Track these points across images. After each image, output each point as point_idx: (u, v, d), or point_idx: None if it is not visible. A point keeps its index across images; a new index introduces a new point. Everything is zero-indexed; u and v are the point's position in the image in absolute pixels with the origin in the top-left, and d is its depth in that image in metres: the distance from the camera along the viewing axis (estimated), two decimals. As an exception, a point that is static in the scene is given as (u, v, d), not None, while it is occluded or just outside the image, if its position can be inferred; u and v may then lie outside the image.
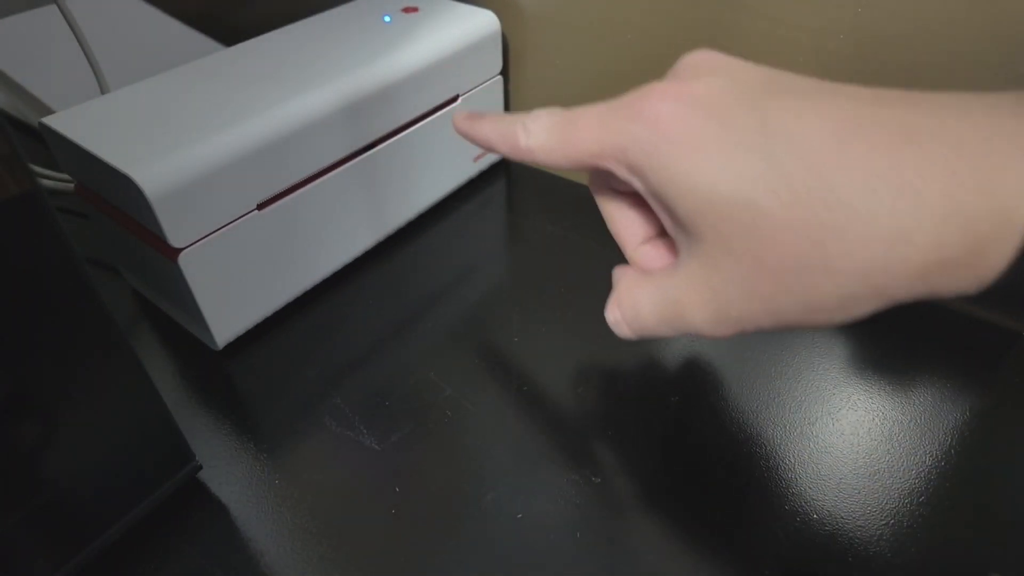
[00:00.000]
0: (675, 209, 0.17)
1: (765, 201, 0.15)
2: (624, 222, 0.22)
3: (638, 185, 0.18)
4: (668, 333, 0.19)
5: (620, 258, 0.23)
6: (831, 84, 0.17)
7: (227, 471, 0.27)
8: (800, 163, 0.15)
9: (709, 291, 0.17)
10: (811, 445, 0.27)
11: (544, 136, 0.20)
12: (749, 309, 0.17)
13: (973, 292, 0.15)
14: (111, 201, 0.30)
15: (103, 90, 0.40)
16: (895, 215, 0.14)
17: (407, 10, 0.40)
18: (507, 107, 0.44)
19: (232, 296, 0.31)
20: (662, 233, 0.22)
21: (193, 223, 0.28)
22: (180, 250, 0.28)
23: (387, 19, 0.39)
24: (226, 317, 0.32)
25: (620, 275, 0.22)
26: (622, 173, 0.19)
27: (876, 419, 0.28)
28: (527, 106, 0.44)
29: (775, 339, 0.32)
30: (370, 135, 0.35)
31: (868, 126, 0.15)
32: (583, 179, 0.44)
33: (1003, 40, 0.27)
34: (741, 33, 0.33)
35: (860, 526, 0.25)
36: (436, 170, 0.40)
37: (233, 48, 0.36)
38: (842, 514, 0.25)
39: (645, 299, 0.20)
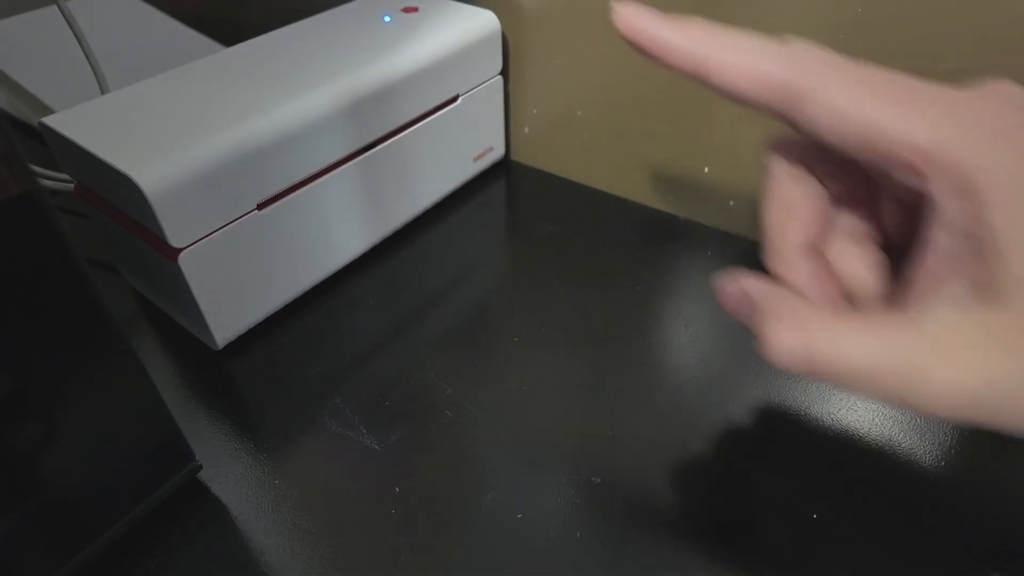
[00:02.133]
0: (1001, 262, 0.14)
1: None
2: (801, 211, 0.18)
3: (952, 213, 0.15)
4: (870, 392, 0.15)
5: (622, 260, 0.22)
6: None
7: (227, 471, 0.27)
8: None
9: (983, 368, 0.14)
10: (811, 445, 0.27)
11: (834, 93, 0.15)
12: None
13: None
14: (111, 201, 0.30)
15: (103, 90, 0.40)
16: None
17: (407, 10, 0.40)
18: (507, 107, 0.44)
19: (232, 296, 0.31)
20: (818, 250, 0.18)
21: (193, 223, 0.28)
22: (180, 250, 0.28)
23: (387, 19, 0.39)
24: (226, 317, 0.32)
25: (788, 298, 0.17)
26: (936, 190, 0.15)
27: (876, 419, 0.28)
28: (527, 106, 0.44)
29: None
30: (370, 135, 0.35)
31: None
32: (583, 179, 0.44)
33: (1004, 40, 0.27)
34: (741, 33, 0.33)
35: (860, 527, 0.25)
36: (436, 170, 0.40)
37: (233, 48, 0.36)
38: (842, 515, 0.25)
39: (863, 344, 0.15)
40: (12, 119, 0.51)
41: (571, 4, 0.39)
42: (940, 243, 0.15)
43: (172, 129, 0.29)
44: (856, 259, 0.19)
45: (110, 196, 0.30)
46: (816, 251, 0.18)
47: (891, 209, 0.19)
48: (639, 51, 0.17)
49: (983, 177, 0.14)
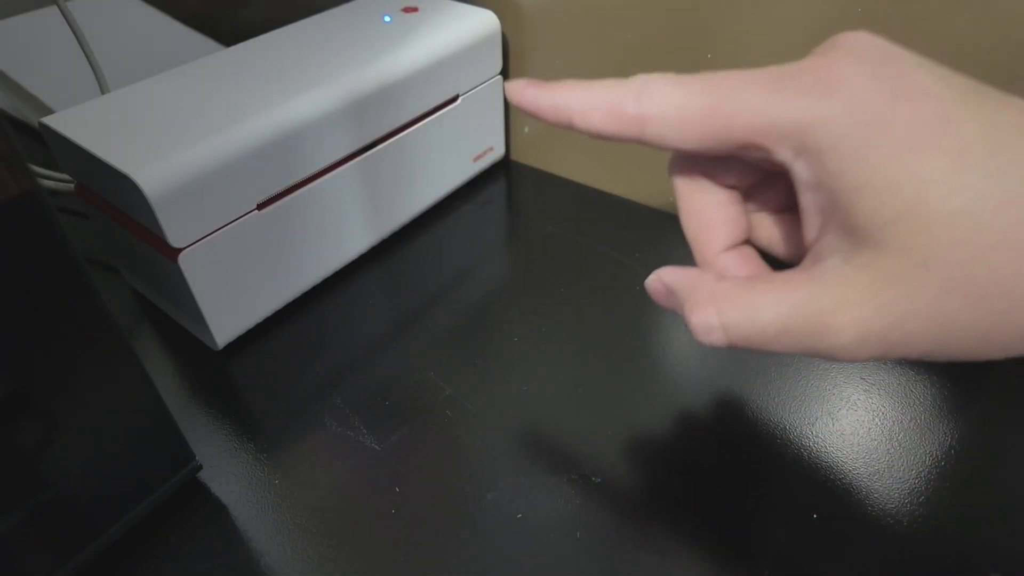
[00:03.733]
0: (855, 206, 0.15)
1: (987, 218, 0.14)
2: (713, 220, 0.19)
3: (801, 172, 0.16)
4: (787, 348, 0.16)
5: (621, 260, 0.22)
6: None
7: (227, 471, 0.27)
8: None
9: (873, 306, 0.15)
10: (810, 445, 0.27)
11: (666, 103, 0.17)
12: (918, 331, 0.15)
13: None
14: (111, 201, 0.30)
15: (103, 90, 0.40)
16: None
17: (407, 10, 0.40)
18: (507, 107, 0.44)
19: (232, 296, 0.31)
20: (745, 241, 0.20)
21: (193, 223, 0.28)
22: (180, 250, 0.28)
23: (387, 19, 0.39)
24: (226, 317, 0.32)
25: (700, 279, 0.18)
26: (783, 155, 0.16)
27: (876, 419, 0.28)
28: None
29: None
30: (370, 135, 0.35)
31: None
32: (583, 179, 0.44)
33: (1004, 40, 0.27)
34: (741, 33, 0.33)
35: (860, 526, 0.25)
36: (436, 170, 0.40)
37: (233, 48, 0.36)
38: (842, 514, 0.25)
39: (767, 306, 0.16)
40: (12, 119, 0.51)
41: (571, 4, 0.39)
42: (806, 203, 0.16)
43: (172, 129, 0.29)
44: (771, 230, 0.21)
45: (110, 196, 0.30)
46: (738, 245, 0.20)
47: (783, 187, 0.20)
48: (525, 113, 0.20)
49: (813, 131, 0.15)
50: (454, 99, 0.39)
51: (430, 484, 0.27)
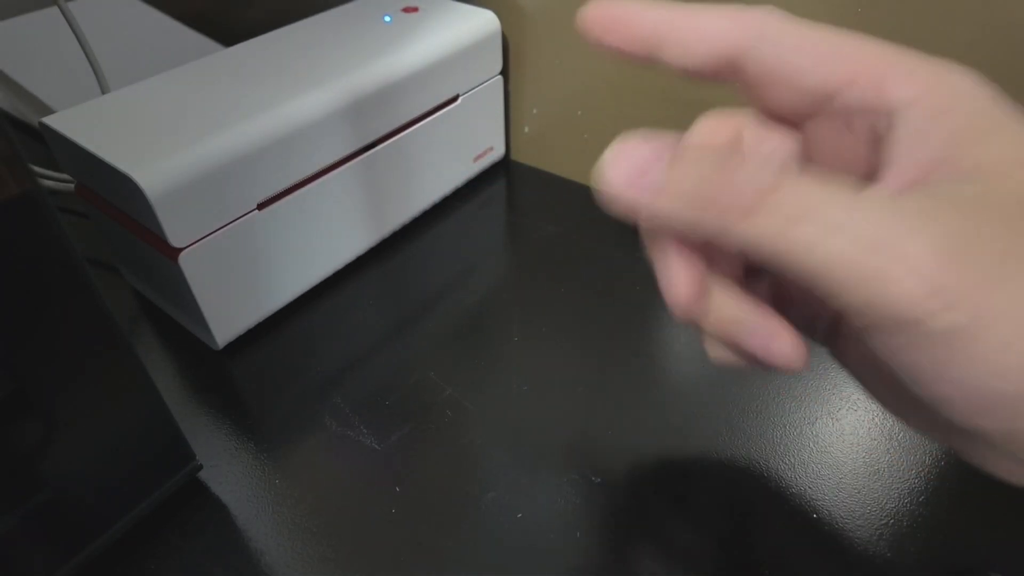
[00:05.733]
0: (980, 144, 0.13)
1: None
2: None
3: (914, 117, 0.14)
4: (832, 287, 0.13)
5: (621, 260, 0.22)
6: None
7: (227, 471, 0.27)
8: None
9: (954, 229, 0.12)
10: (811, 445, 0.27)
11: (791, 18, 0.15)
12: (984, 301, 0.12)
13: None
14: (111, 201, 0.30)
15: (103, 90, 0.40)
16: None
17: (407, 10, 0.40)
18: (507, 107, 0.44)
19: (232, 296, 0.31)
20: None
21: (193, 223, 0.28)
22: (180, 250, 0.28)
23: (387, 19, 0.39)
24: (226, 317, 0.32)
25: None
26: (901, 94, 0.14)
27: (876, 419, 0.28)
28: (527, 106, 0.44)
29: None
30: (370, 135, 0.35)
31: None
32: (583, 179, 0.44)
33: (1005, 40, 0.27)
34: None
35: (860, 526, 0.25)
36: (436, 170, 0.40)
37: (233, 48, 0.36)
38: (842, 514, 0.25)
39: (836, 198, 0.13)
40: (12, 119, 0.51)
41: (571, 4, 0.39)
42: (905, 150, 0.14)
43: (172, 129, 0.29)
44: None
45: (110, 196, 0.30)
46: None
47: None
48: (601, 39, 0.16)
49: (948, 77, 0.14)
50: (454, 99, 0.39)
51: (430, 484, 0.27)
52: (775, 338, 0.16)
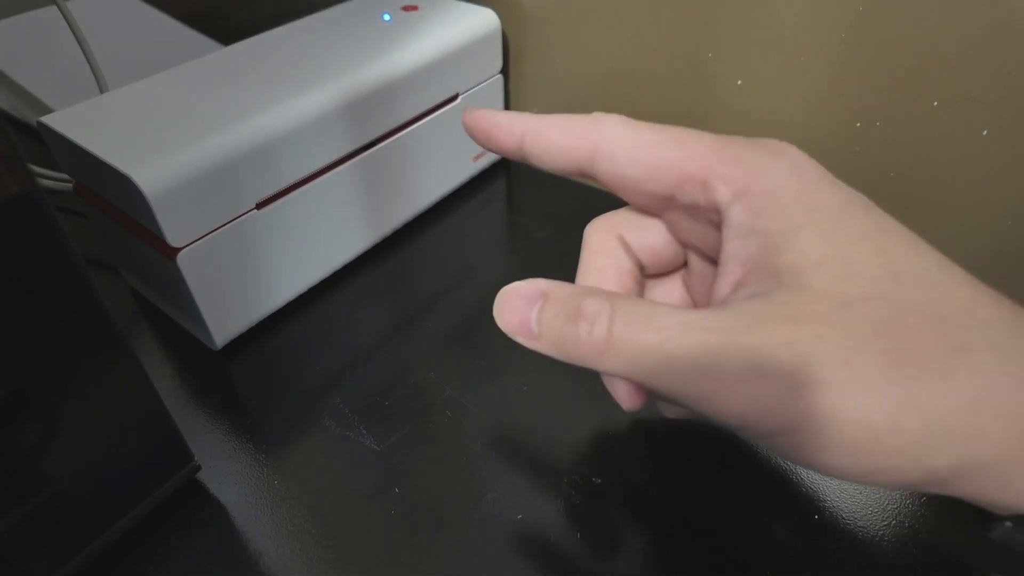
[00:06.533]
0: (789, 245, 0.15)
1: (906, 290, 0.14)
2: (607, 278, 0.20)
3: (736, 215, 0.16)
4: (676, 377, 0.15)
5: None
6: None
7: (226, 471, 0.27)
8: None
9: (784, 334, 0.15)
10: (812, 445, 0.27)
11: (624, 127, 0.18)
12: (824, 378, 0.14)
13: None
14: (110, 200, 0.30)
15: (102, 89, 0.40)
16: None
17: (407, 8, 0.40)
18: (507, 106, 0.44)
19: (231, 296, 0.31)
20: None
21: (192, 222, 0.28)
22: (179, 249, 0.28)
23: (387, 17, 0.39)
24: (225, 317, 0.32)
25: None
26: (722, 196, 0.16)
27: (877, 419, 0.28)
28: (528, 105, 0.44)
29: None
30: (369, 134, 0.34)
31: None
32: (583, 179, 0.44)
33: (1005, 40, 0.27)
34: (741, 32, 0.33)
35: (862, 527, 0.24)
36: (436, 169, 0.40)
37: (232, 47, 0.36)
38: (843, 515, 0.25)
39: (674, 322, 0.15)
40: (11, 118, 0.50)
41: (571, 3, 0.39)
42: (731, 252, 0.16)
43: (171, 128, 0.29)
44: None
45: (109, 195, 0.30)
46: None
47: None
48: (478, 136, 0.20)
49: (760, 174, 0.16)
50: (454, 98, 0.39)
51: (430, 484, 0.26)
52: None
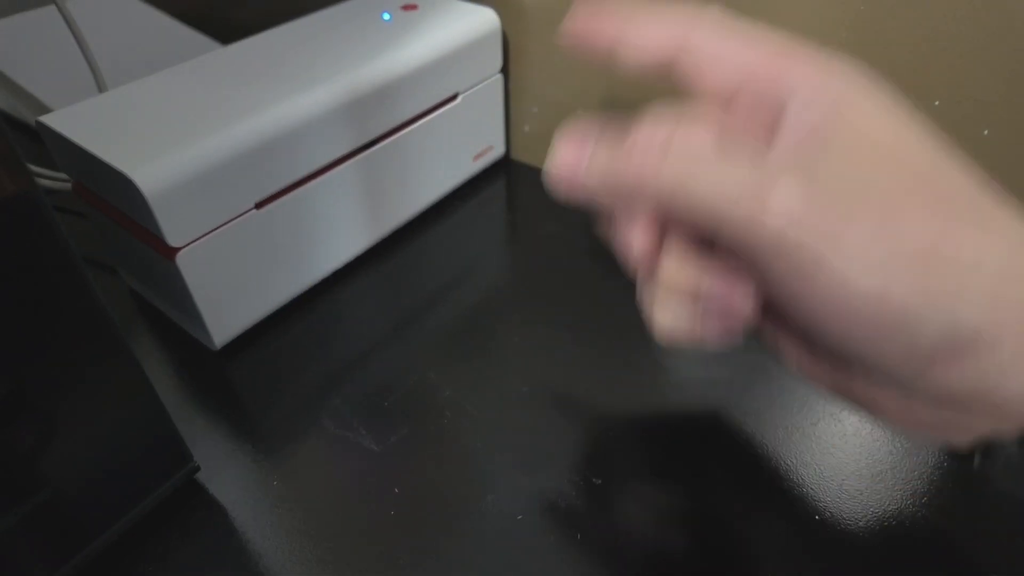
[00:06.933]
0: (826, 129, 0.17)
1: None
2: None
3: (806, 92, 0.18)
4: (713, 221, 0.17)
5: (617, 261, 0.22)
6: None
7: (225, 472, 0.27)
8: None
9: (803, 177, 0.16)
10: (813, 446, 0.27)
11: (719, 20, 0.20)
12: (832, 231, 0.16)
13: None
14: (109, 200, 0.30)
15: (101, 89, 0.39)
16: None
17: (406, 7, 0.40)
18: (507, 105, 0.44)
19: (230, 296, 0.31)
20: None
21: (191, 222, 0.28)
22: (178, 249, 0.28)
23: (386, 16, 0.39)
24: (224, 317, 0.31)
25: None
26: (775, 89, 0.18)
27: (878, 421, 0.28)
28: (527, 104, 0.44)
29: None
30: (369, 133, 0.34)
31: None
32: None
33: (1006, 39, 0.27)
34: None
35: (863, 527, 0.24)
36: (436, 169, 0.40)
37: (231, 46, 0.36)
38: (845, 515, 0.25)
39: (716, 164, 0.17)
40: (9, 118, 0.50)
41: (571, 2, 0.38)
42: (789, 123, 0.18)
43: (170, 128, 0.29)
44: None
45: (108, 195, 0.30)
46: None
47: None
48: (579, 43, 0.22)
49: (824, 73, 0.18)
50: (454, 97, 0.39)
51: (429, 486, 0.26)
52: (735, 291, 0.18)
